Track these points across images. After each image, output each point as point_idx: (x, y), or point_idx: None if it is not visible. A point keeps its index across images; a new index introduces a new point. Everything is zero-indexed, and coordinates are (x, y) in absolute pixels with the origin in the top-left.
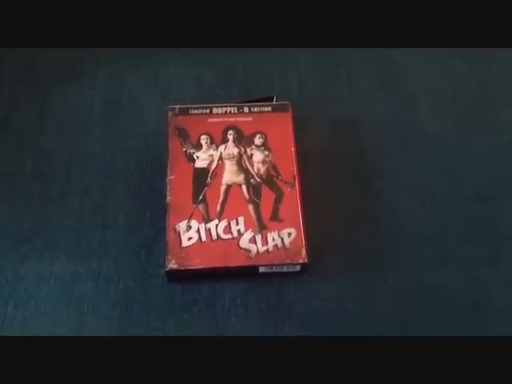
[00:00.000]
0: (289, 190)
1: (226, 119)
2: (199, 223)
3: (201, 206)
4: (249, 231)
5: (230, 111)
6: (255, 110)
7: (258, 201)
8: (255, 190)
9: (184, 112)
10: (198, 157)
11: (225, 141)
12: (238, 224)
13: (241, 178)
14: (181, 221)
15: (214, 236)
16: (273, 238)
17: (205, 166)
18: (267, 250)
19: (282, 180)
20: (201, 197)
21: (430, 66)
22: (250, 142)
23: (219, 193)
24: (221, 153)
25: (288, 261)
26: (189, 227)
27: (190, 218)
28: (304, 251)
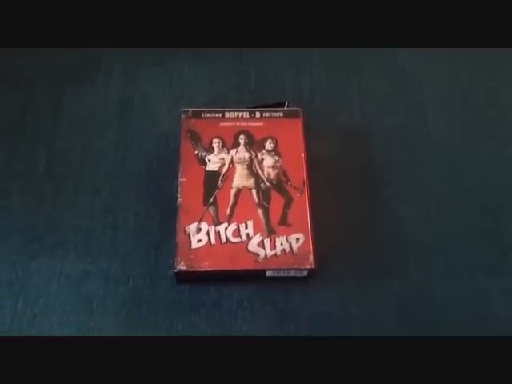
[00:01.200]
0: (298, 195)
1: (237, 123)
2: (209, 226)
3: (211, 209)
4: (257, 235)
5: (242, 116)
6: (267, 115)
7: (267, 205)
8: (265, 195)
9: (197, 115)
10: (209, 160)
11: (236, 145)
12: (247, 228)
13: (251, 182)
14: (191, 223)
15: (223, 239)
16: (281, 242)
17: (216, 169)
18: (275, 254)
19: (291, 185)
20: (211, 199)
21: (440, 75)
22: (260, 146)
23: (229, 196)
24: (232, 157)
25: (295, 266)
26: (199, 229)
27: (200, 221)
28: (311, 257)
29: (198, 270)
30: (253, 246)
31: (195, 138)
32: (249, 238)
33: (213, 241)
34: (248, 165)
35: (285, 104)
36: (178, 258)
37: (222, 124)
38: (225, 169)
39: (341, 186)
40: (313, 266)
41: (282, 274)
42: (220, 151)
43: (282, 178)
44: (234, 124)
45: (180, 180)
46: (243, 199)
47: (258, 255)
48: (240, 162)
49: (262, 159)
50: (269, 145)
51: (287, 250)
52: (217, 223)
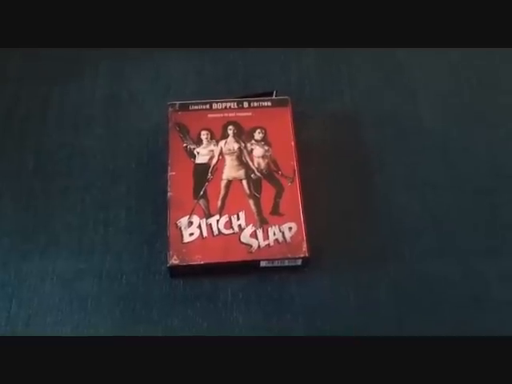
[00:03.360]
0: (289, 184)
1: (225, 114)
2: (200, 219)
3: (202, 202)
4: (250, 226)
5: (230, 106)
6: (255, 104)
7: (258, 195)
8: (255, 185)
9: (184, 108)
10: (198, 152)
11: (225, 136)
12: (238, 219)
13: (241, 173)
14: (182, 216)
15: (216, 231)
16: (274, 232)
17: (205, 161)
18: (268, 244)
19: (282, 174)
20: (202, 192)
21: (431, 63)
22: (250, 137)
23: (220, 188)
24: (221, 148)
25: (289, 255)
26: (190, 223)
27: (191, 214)
28: (305, 245)
29: (191, 263)
30: (245, 237)
31: (183, 130)
32: (241, 229)
33: (205, 234)
34: (238, 156)
35: (273, 93)
36: (171, 253)
37: (209, 115)
38: (214, 161)
39: (332, 173)
40: (307, 255)
41: (276, 263)
42: (209, 143)
43: (273, 167)
44: (222, 115)
45: (169, 174)
46: (234, 190)
47: (251, 246)
48: (229, 153)
49: (252, 149)
50: (258, 135)
51: (280, 239)
52: (208, 216)
